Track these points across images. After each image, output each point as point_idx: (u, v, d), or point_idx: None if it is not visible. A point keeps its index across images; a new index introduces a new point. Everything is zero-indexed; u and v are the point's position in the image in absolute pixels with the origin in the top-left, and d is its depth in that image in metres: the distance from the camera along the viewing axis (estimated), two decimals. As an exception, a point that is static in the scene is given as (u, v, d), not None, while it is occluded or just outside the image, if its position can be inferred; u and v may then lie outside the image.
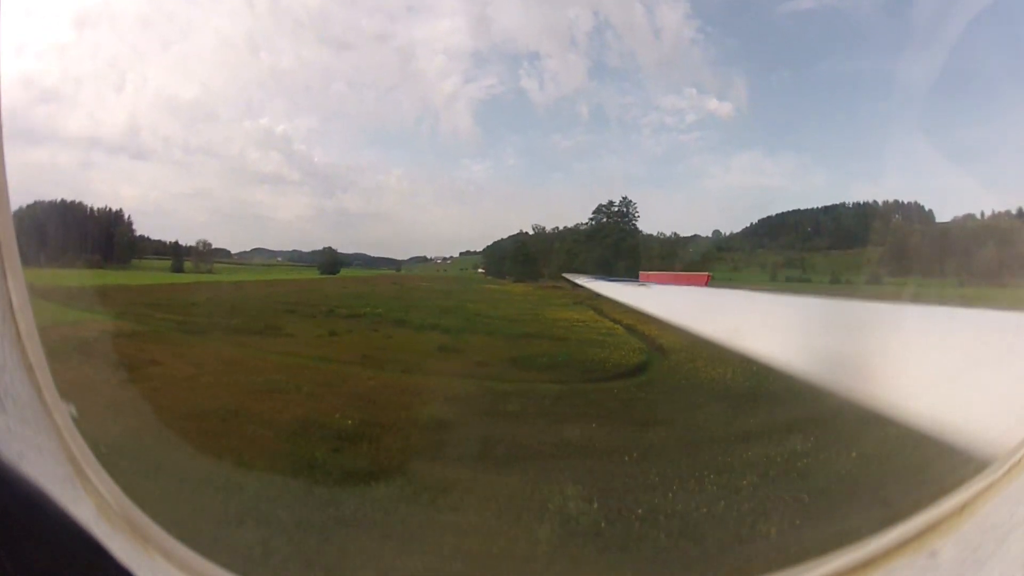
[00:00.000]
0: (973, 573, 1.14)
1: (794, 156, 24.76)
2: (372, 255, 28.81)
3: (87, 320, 13.63)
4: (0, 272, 1.19)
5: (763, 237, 23.19)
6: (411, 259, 29.47)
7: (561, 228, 26.24)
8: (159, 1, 20.23)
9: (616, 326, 17.07)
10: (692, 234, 23.81)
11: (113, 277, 21.32)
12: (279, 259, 27.66)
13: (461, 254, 29.86)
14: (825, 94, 21.91)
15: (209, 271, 24.83)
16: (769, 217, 23.75)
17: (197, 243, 25.05)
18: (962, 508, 1.22)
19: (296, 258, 28.13)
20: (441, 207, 27.77)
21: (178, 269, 24.43)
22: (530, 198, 27.80)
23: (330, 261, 26.97)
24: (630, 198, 23.10)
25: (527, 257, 26.13)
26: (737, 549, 5.01)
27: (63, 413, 1.27)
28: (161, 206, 25.01)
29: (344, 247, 27.67)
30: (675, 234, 23.77)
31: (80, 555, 1.00)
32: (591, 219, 23.94)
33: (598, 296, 19.88)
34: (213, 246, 25.31)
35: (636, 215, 23.26)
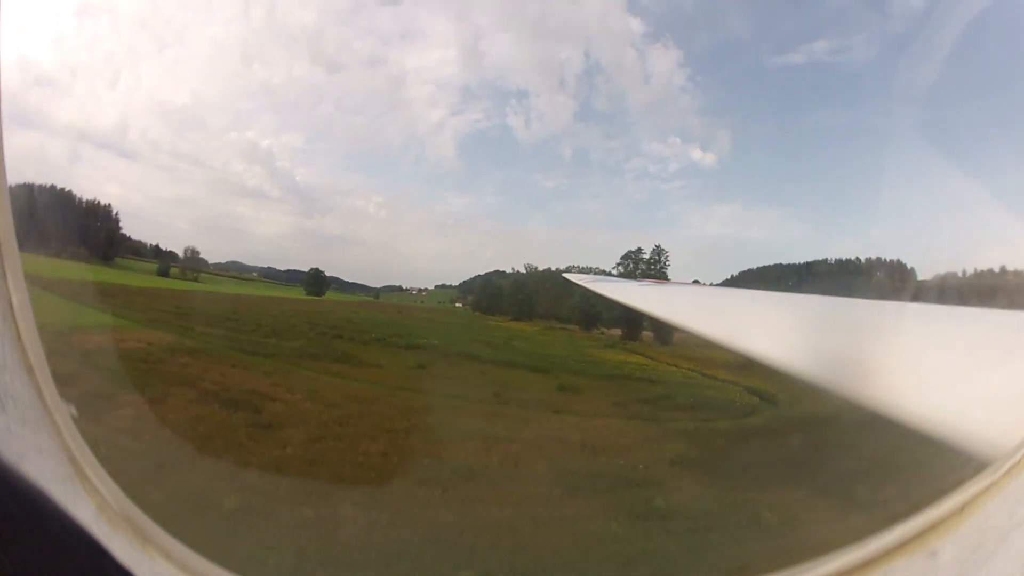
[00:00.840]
0: (973, 573, 1.14)
1: (775, 210, 24.68)
2: (346, 280, 28.57)
3: (119, 326, 13.11)
4: (0, 272, 1.19)
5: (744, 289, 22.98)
6: (385, 287, 29.23)
7: (555, 268, 25.95)
8: (158, 2, 20.24)
9: (681, 370, 17.11)
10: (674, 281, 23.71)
11: (107, 275, 21.25)
12: (255, 274, 27.56)
13: (436, 286, 29.63)
14: (809, 149, 21.93)
15: (195, 279, 24.85)
16: (751, 269, 23.61)
17: (185, 250, 25.14)
18: (962, 508, 1.22)
19: (271, 275, 28.00)
20: (419, 238, 27.55)
21: (164, 273, 24.49)
22: (508, 236, 27.57)
23: (316, 282, 26.86)
24: (662, 246, 22.95)
25: (527, 296, 25.86)
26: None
27: (63, 413, 1.27)
28: (142, 208, 25.08)
29: (322, 269, 27.58)
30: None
31: (80, 555, 1.00)
32: (619, 264, 23.69)
33: (628, 339, 20.06)
34: (200, 254, 25.36)
35: (667, 263, 23.14)
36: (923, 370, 2.23)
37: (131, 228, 24.33)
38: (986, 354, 2.28)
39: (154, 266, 24.72)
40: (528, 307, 25.68)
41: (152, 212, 25.90)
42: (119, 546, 1.14)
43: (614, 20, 23.26)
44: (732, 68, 22.90)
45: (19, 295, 1.22)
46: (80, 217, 21.52)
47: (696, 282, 23.62)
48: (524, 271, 26.60)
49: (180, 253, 25.23)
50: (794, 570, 1.34)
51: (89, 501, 1.20)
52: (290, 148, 25.32)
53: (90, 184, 22.28)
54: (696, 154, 23.31)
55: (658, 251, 23.12)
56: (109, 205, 22.92)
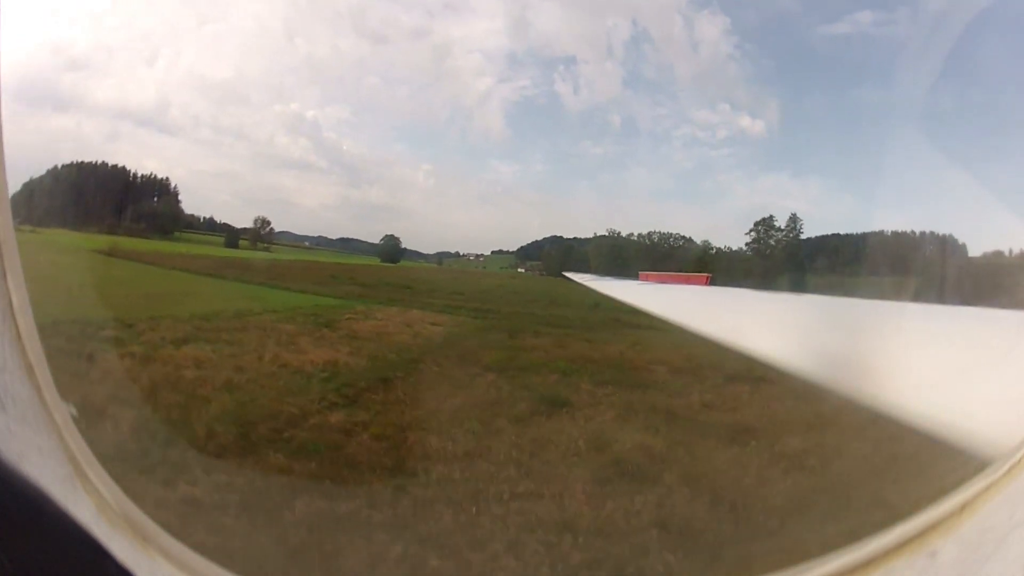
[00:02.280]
0: (973, 573, 1.14)
1: (822, 180, 24.34)
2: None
3: (371, 310, 12.89)
4: (0, 272, 1.19)
5: (803, 258, 22.67)
6: (439, 254, 29.15)
7: (645, 233, 25.45)
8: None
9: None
10: (725, 245, 23.57)
11: (182, 249, 21.38)
12: (306, 244, 27.51)
13: (493, 252, 29.53)
14: (857, 120, 21.56)
15: (267, 249, 24.90)
16: (809, 239, 23.34)
17: (255, 220, 25.37)
18: (962, 508, 1.22)
19: (323, 244, 28.03)
20: (467, 206, 27.61)
21: (232, 244, 24.54)
22: (557, 203, 27.44)
23: (392, 250, 26.89)
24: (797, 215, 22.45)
25: (624, 261, 25.37)
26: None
27: (63, 413, 1.27)
28: (185, 183, 25.06)
29: (368, 238, 27.67)
30: (712, 244, 23.42)
31: (80, 555, 1.00)
32: (751, 231, 23.04)
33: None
34: (271, 225, 25.31)
35: (801, 231, 22.68)
36: (923, 370, 2.23)
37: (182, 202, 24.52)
38: (986, 354, 2.28)
39: (214, 238, 24.79)
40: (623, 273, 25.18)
41: (197, 186, 26.07)
42: (119, 546, 1.14)
43: (660, -14, 23.06)
44: (778, 36, 22.71)
45: (19, 295, 1.22)
46: (136, 193, 21.73)
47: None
48: (607, 234, 25.95)
49: (235, 225, 25.40)
50: (794, 570, 1.34)
51: (89, 501, 1.20)
52: (336, 120, 25.39)
53: (132, 162, 22.43)
54: (744, 121, 23.18)
55: (793, 219, 22.57)
56: (167, 179, 23.15)
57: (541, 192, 27.12)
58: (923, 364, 2.30)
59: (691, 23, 22.83)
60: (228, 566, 1.40)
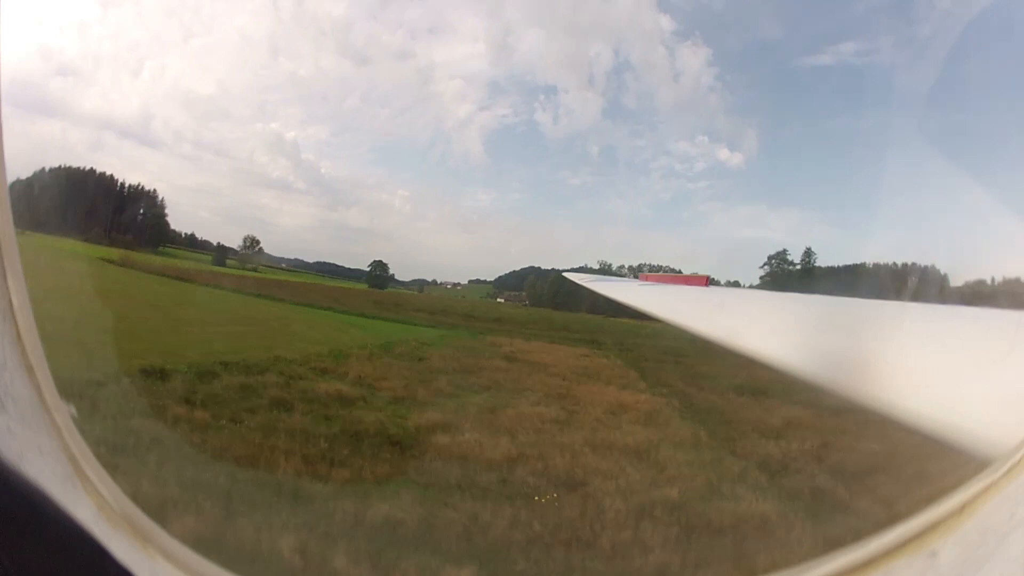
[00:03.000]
0: (973, 573, 1.14)
1: (800, 212, 24.31)
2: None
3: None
4: (0, 272, 1.19)
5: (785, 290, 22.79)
6: (417, 280, 28.80)
7: (636, 265, 25.51)
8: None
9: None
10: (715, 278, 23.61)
11: (174, 264, 21.17)
12: (283, 265, 27.28)
13: (470, 281, 29.27)
14: (835, 151, 21.49)
15: (255, 270, 24.70)
16: (794, 270, 23.40)
17: (244, 239, 25.20)
18: (962, 508, 1.22)
19: (299, 266, 27.75)
20: (444, 232, 27.40)
21: (220, 263, 24.35)
22: (534, 232, 27.21)
23: (381, 276, 26.62)
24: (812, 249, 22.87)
25: None
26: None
27: (63, 413, 1.27)
28: (168, 197, 24.91)
29: (345, 262, 27.43)
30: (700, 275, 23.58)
31: (80, 555, 1.00)
32: (765, 264, 23.59)
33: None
34: (260, 245, 25.15)
35: (814, 262, 23.03)
36: (923, 370, 2.22)
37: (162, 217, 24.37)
38: (986, 354, 2.27)
39: (201, 255, 24.59)
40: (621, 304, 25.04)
41: (177, 201, 25.96)
42: (119, 546, 1.14)
43: (644, 17, 23.07)
44: (760, 68, 22.67)
45: (19, 295, 1.22)
46: (124, 205, 21.68)
47: (737, 282, 23.27)
48: (598, 267, 25.89)
49: (213, 242, 25.25)
50: (794, 570, 1.33)
51: (89, 501, 1.20)
52: (316, 140, 25.28)
53: (113, 174, 22.36)
54: (723, 154, 23.13)
55: (808, 253, 22.74)
56: (154, 191, 23.07)
57: (519, 220, 27.04)
58: (923, 364, 2.30)
59: (673, 53, 22.77)
60: (228, 566, 1.40)
